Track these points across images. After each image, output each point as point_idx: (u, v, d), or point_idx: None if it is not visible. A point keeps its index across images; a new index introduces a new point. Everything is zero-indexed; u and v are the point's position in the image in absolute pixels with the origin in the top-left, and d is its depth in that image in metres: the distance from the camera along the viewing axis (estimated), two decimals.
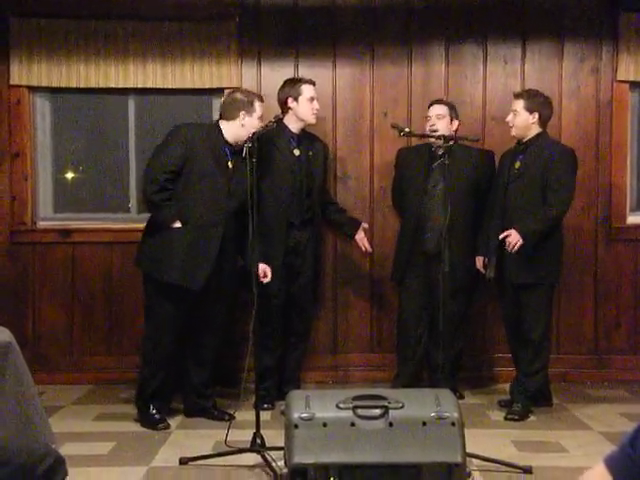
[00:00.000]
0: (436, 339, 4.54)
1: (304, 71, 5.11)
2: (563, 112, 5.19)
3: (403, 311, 4.85)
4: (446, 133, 4.46)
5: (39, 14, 5.06)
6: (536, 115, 4.41)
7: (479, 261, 4.66)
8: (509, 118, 4.46)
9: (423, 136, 4.51)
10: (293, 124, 4.61)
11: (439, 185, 4.58)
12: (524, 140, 4.45)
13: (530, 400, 4.45)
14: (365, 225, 4.87)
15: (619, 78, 5.15)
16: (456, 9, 5.16)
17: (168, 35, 5.07)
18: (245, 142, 3.78)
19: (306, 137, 4.74)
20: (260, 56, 5.18)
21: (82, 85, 5.10)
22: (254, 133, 3.92)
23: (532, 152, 4.42)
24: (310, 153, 4.69)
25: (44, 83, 5.11)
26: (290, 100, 4.58)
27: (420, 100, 5.12)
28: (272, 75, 5.14)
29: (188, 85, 5.10)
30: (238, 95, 4.36)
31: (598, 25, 5.17)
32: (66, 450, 3.55)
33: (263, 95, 5.06)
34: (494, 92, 5.17)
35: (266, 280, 4.34)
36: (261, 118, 4.29)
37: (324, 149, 4.87)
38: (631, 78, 5.14)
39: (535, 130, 4.43)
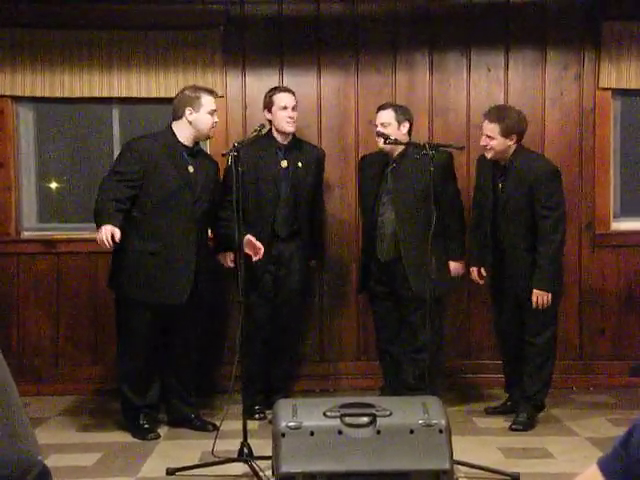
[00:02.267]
0: (412, 349, 4.55)
1: (289, 80, 5.13)
2: (546, 119, 5.22)
3: (376, 324, 4.79)
4: (395, 138, 4.38)
5: (22, 24, 5.05)
6: (514, 137, 4.28)
7: (473, 272, 4.63)
8: (484, 142, 4.30)
9: (408, 144, 4.50)
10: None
11: (390, 192, 4.55)
12: (502, 163, 4.34)
13: (537, 409, 4.42)
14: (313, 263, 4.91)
15: (601, 85, 5.18)
16: (440, 18, 5.19)
17: (152, 44, 5.06)
18: (230, 151, 3.76)
19: (297, 147, 4.68)
20: (245, 65, 5.19)
21: (66, 95, 5.08)
22: (239, 143, 3.88)
23: (513, 175, 4.30)
24: (299, 164, 4.63)
25: (27, 93, 5.09)
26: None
27: (407, 108, 5.13)
28: (257, 84, 5.14)
29: (172, 94, 5.02)
30: (185, 92, 4.28)
31: (581, 33, 5.21)
32: (52, 462, 3.53)
33: (248, 104, 5.11)
34: (478, 100, 5.19)
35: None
36: (213, 113, 4.22)
37: (318, 157, 4.79)
38: (613, 85, 5.18)
39: (512, 148, 4.31)
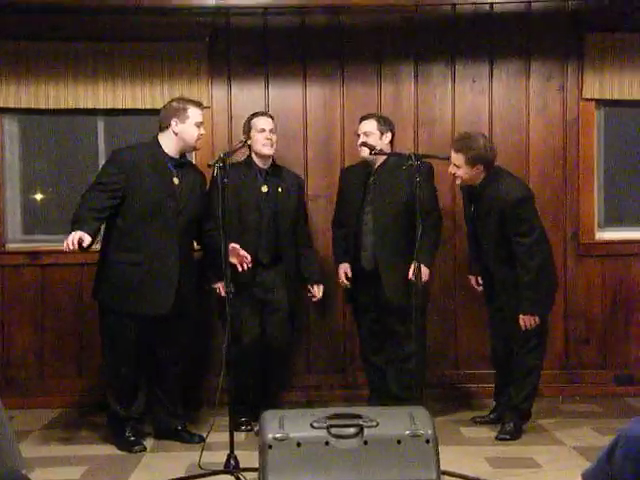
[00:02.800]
0: (395, 357, 4.60)
1: (274, 91, 5.15)
2: (531, 130, 5.25)
3: (361, 336, 4.82)
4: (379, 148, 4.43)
5: (7, 35, 5.04)
6: (480, 167, 4.25)
7: (472, 280, 4.71)
8: (451, 170, 4.28)
9: (393, 155, 4.53)
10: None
11: (373, 201, 4.60)
12: (474, 186, 4.32)
13: (523, 418, 4.41)
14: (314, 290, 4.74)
15: (585, 96, 5.23)
16: (425, 29, 5.22)
17: (138, 56, 5.06)
18: (216, 162, 3.76)
19: (276, 173, 4.66)
20: (230, 77, 5.19)
21: (51, 106, 5.07)
22: (224, 154, 3.85)
23: (482, 201, 4.29)
24: (279, 189, 4.60)
25: (12, 104, 5.07)
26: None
27: (390, 119, 5.15)
28: (242, 95, 5.17)
29: (158, 106, 5.04)
30: (172, 103, 4.29)
31: (564, 44, 5.25)
32: (37, 476, 3.51)
33: (234, 115, 5.12)
34: (463, 110, 5.23)
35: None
36: (199, 125, 4.23)
37: (299, 184, 4.76)
38: (596, 96, 5.23)
39: (482, 175, 4.28)
